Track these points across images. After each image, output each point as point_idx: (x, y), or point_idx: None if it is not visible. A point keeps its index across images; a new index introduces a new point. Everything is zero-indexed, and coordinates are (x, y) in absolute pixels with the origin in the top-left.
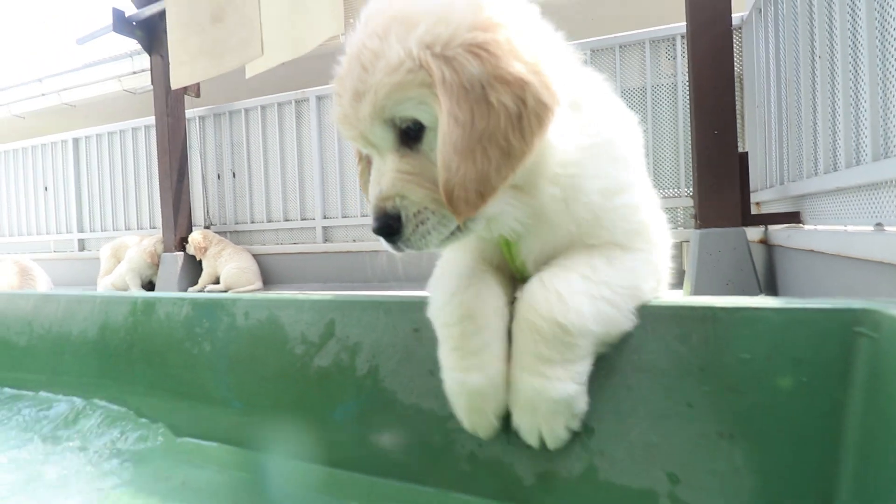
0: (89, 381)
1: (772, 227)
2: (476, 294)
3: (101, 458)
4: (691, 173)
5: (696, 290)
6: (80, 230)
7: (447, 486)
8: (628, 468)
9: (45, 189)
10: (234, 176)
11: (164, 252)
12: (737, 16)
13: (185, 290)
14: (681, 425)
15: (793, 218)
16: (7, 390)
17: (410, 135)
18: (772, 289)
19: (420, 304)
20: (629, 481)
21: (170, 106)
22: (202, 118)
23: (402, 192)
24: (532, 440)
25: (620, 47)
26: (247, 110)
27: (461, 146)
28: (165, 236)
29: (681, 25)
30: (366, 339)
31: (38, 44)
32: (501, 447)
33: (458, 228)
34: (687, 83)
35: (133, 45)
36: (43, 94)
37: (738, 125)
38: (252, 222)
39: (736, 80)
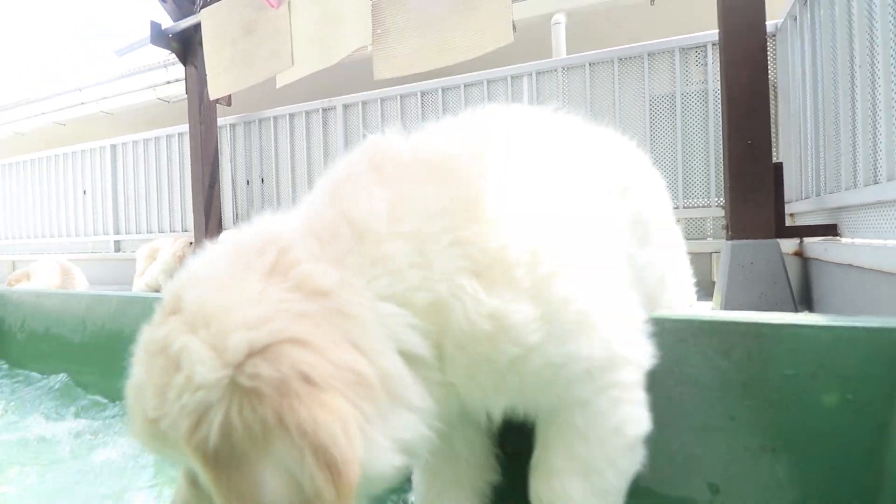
0: None
1: (807, 240)
2: None
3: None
4: (722, 183)
5: (727, 303)
6: (116, 232)
7: None
8: (669, 477)
9: (84, 193)
10: (262, 181)
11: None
12: (771, 23)
13: None
14: (723, 438)
15: (830, 230)
16: (63, 377)
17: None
18: (806, 302)
19: None
20: (669, 490)
21: (203, 114)
22: (233, 126)
23: None
24: None
25: (649, 55)
26: (275, 118)
27: None
28: (197, 239)
29: (712, 33)
30: None
31: (41, 44)
32: None
33: None
34: (718, 91)
35: (166, 56)
36: (82, 103)
37: (773, 134)
38: None
39: (770, 88)
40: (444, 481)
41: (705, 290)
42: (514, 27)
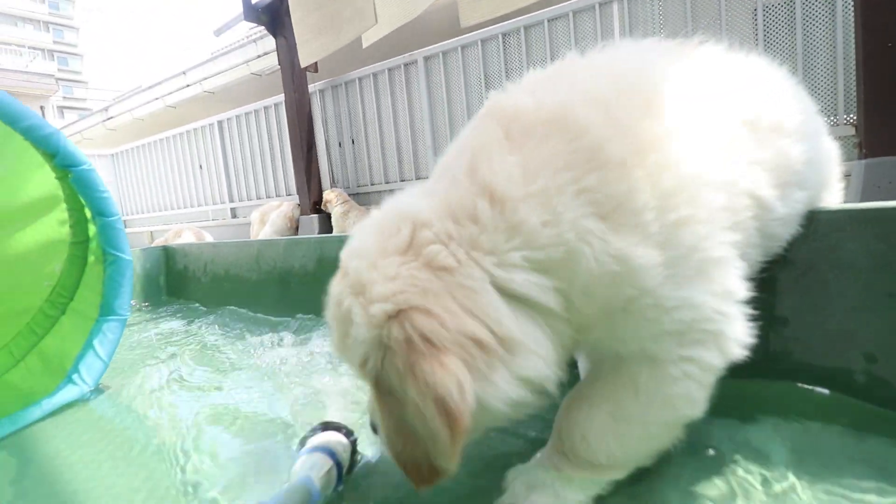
0: (314, 303)
1: None
2: None
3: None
4: (854, 96)
5: None
6: (231, 200)
7: None
8: (824, 351)
9: (201, 167)
10: (353, 142)
11: (301, 216)
12: None
13: None
14: (879, 314)
15: None
16: (245, 311)
17: None
18: None
19: None
20: (825, 362)
21: (295, 83)
22: (321, 91)
23: (374, 421)
24: None
25: None
26: (360, 79)
27: (398, 431)
28: (301, 201)
29: None
30: None
31: (150, 32)
32: None
33: None
34: None
35: (256, 31)
36: (188, 85)
37: None
38: (371, 184)
39: None
40: None
41: None
42: None
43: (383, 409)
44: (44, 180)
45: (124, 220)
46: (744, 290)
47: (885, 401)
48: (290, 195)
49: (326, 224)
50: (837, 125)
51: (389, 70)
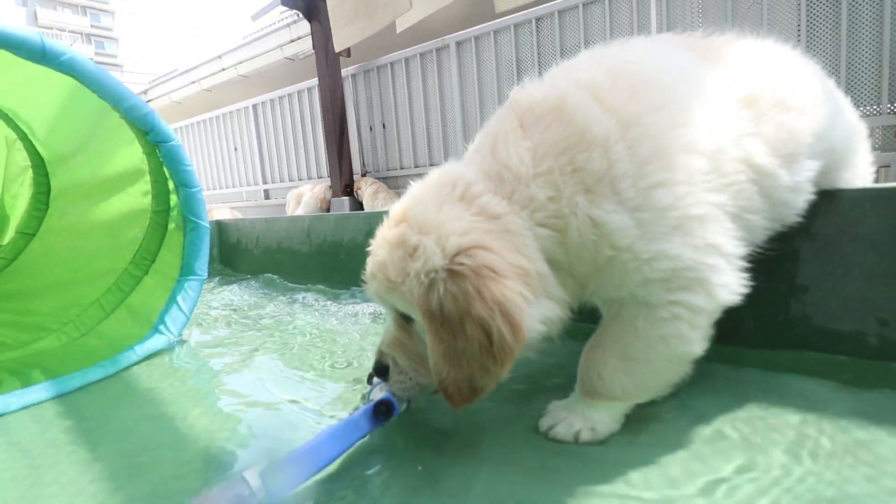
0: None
1: None
2: None
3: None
4: None
5: None
6: (265, 182)
7: None
8: (840, 316)
9: (235, 150)
10: (384, 127)
11: (333, 197)
12: None
13: None
14: (895, 281)
15: None
16: (293, 285)
17: (404, 315)
18: None
19: None
20: (841, 326)
21: (329, 67)
22: (354, 76)
23: (394, 354)
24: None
25: None
26: (392, 64)
27: (447, 358)
28: (333, 183)
29: None
30: None
31: (185, 16)
32: None
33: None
34: None
35: (288, 15)
36: (223, 69)
37: None
38: (401, 168)
39: None
40: None
41: None
42: None
43: (435, 339)
44: (130, 155)
45: None
46: (732, 245)
47: (894, 358)
48: (321, 178)
49: (357, 207)
50: (881, 114)
51: (421, 55)
